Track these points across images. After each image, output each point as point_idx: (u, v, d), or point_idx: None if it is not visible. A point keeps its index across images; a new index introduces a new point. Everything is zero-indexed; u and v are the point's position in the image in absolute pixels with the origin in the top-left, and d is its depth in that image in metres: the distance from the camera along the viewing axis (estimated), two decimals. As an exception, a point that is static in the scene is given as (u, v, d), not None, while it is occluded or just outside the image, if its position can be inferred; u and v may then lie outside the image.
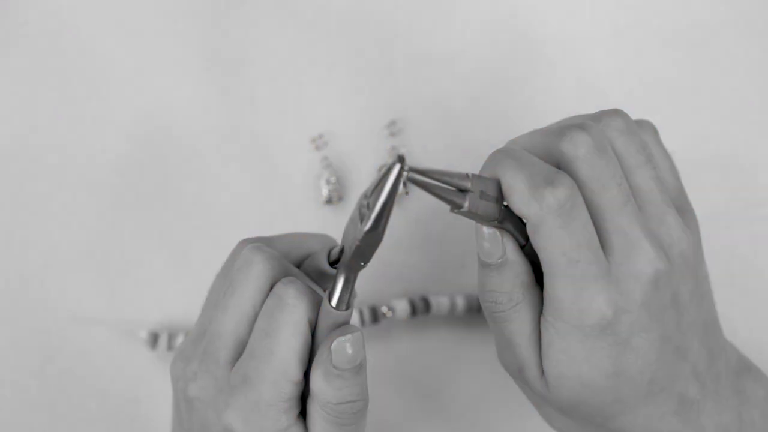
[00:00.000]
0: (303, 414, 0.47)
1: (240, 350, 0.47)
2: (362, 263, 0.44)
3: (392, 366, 0.65)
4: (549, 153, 0.48)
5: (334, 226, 0.66)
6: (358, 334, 0.45)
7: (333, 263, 0.48)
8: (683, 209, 0.50)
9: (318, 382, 0.45)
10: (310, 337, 0.45)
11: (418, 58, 0.69)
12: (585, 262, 0.45)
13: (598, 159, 0.47)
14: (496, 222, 0.46)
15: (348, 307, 0.45)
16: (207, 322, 0.49)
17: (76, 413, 0.65)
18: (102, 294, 0.66)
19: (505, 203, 0.46)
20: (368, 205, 0.42)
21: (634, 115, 0.68)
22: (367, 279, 0.65)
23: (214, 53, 0.69)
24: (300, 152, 0.67)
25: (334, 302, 0.45)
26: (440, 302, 0.64)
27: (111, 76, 0.69)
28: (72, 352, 0.65)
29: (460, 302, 0.64)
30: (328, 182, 0.66)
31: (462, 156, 0.67)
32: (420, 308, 0.64)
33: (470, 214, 0.45)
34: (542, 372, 0.48)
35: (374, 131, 0.68)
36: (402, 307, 0.64)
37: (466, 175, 0.45)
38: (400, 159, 0.41)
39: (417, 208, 0.66)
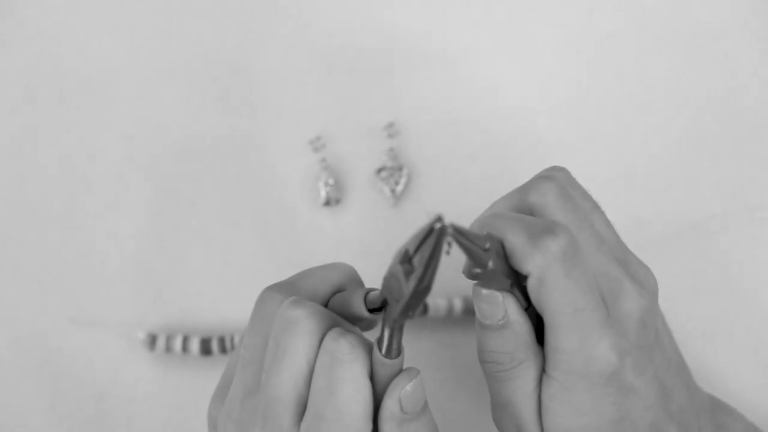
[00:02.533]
0: None
1: (301, 411, 0.46)
2: (411, 314, 0.43)
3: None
4: (520, 212, 0.48)
5: (332, 228, 0.66)
6: (418, 378, 0.45)
7: (372, 310, 0.47)
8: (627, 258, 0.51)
9: (393, 430, 0.45)
10: (370, 388, 0.45)
11: (416, 60, 0.69)
12: (590, 309, 0.46)
13: (566, 202, 0.48)
14: (509, 282, 0.46)
15: (399, 353, 0.45)
16: (252, 382, 0.48)
17: (74, 414, 0.65)
18: (100, 296, 0.66)
19: None
20: (410, 261, 0.42)
21: (634, 116, 0.68)
22: (366, 280, 0.65)
23: (213, 55, 0.69)
24: (298, 154, 0.67)
25: (386, 351, 0.44)
26: (438, 304, 0.64)
27: (108, 78, 0.69)
28: (70, 353, 0.65)
29: (458, 304, 0.64)
30: (326, 184, 0.66)
31: (458, 158, 0.67)
32: (417, 310, 0.64)
33: (492, 274, 0.45)
34: (541, 430, 0.48)
35: (372, 133, 0.68)
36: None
37: (485, 236, 0.45)
38: (440, 220, 0.41)
39: (413, 211, 0.66)
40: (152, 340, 0.64)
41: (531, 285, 0.46)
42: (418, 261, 0.41)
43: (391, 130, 0.67)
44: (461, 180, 0.66)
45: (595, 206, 0.50)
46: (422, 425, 0.45)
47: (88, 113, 0.68)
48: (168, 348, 0.64)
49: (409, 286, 0.42)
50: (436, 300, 0.64)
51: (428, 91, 0.69)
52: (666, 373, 0.49)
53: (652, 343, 0.48)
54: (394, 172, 0.66)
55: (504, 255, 0.46)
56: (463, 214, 0.66)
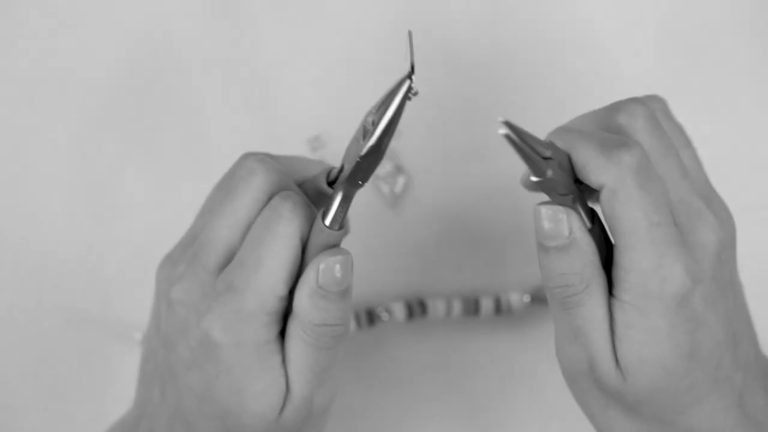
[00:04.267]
0: (283, 333, 0.46)
1: (229, 259, 0.46)
2: (360, 182, 0.43)
3: (388, 368, 0.64)
4: (607, 129, 0.47)
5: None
6: (348, 256, 0.44)
7: (331, 183, 0.47)
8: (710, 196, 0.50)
9: (302, 300, 0.44)
10: (300, 253, 0.45)
11: (415, 58, 0.69)
12: (666, 225, 0.44)
13: (655, 128, 0.46)
14: (570, 197, 0.44)
15: (341, 227, 0.44)
16: (200, 228, 0.48)
17: (71, 415, 0.65)
18: (97, 295, 0.66)
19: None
20: (373, 122, 0.41)
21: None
22: (363, 282, 0.65)
23: (211, 55, 0.69)
24: (297, 153, 0.67)
25: (328, 221, 0.44)
26: (437, 305, 0.64)
27: (107, 78, 0.69)
28: (67, 354, 0.65)
29: (457, 305, 0.64)
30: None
31: (459, 157, 0.67)
32: (416, 311, 0.64)
33: (551, 184, 0.44)
34: (616, 362, 0.46)
35: (371, 132, 0.68)
36: (398, 309, 0.64)
37: (548, 143, 0.43)
38: (410, 74, 0.40)
39: (413, 211, 0.66)
40: (149, 340, 0.64)
41: (604, 197, 0.44)
42: (376, 119, 0.40)
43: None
44: (461, 180, 0.66)
45: (687, 142, 0.49)
46: (333, 309, 0.44)
47: (88, 113, 0.68)
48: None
49: (362, 147, 0.41)
50: (435, 301, 0.64)
51: (427, 91, 0.68)
52: (737, 318, 0.47)
53: (726, 279, 0.46)
54: (393, 173, 0.66)
55: (570, 169, 0.44)
56: (463, 214, 0.66)
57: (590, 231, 0.45)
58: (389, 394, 0.64)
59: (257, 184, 0.46)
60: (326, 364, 0.46)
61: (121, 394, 0.65)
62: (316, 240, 0.44)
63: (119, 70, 0.69)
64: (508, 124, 0.41)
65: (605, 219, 0.45)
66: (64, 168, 0.68)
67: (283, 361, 0.46)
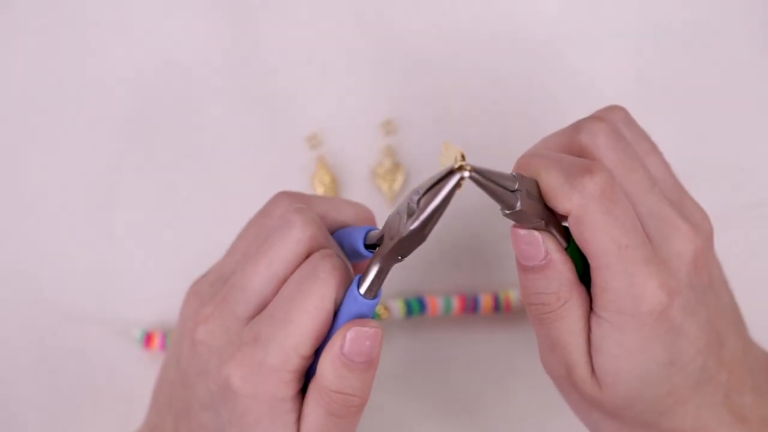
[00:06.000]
0: (304, 392, 0.46)
1: (259, 309, 0.46)
2: (400, 257, 0.43)
3: (387, 365, 0.64)
4: (570, 151, 0.48)
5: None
6: (379, 331, 0.44)
7: (368, 246, 0.46)
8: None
9: (324, 364, 0.44)
10: (332, 316, 0.44)
11: (414, 56, 0.69)
12: (634, 246, 0.45)
13: (617, 142, 0.47)
14: (542, 222, 0.45)
15: (375, 296, 0.44)
16: (230, 269, 0.48)
17: (70, 413, 0.64)
18: (96, 293, 0.66)
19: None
20: (419, 202, 0.41)
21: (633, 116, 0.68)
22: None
23: (210, 53, 0.69)
24: (295, 151, 0.67)
25: (363, 289, 0.44)
26: (435, 302, 0.64)
27: (105, 77, 0.69)
28: (66, 351, 0.65)
29: (455, 302, 0.64)
30: (322, 182, 0.66)
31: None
32: (415, 308, 0.64)
33: (521, 215, 0.45)
34: (592, 371, 0.47)
35: (369, 130, 0.67)
36: (397, 306, 0.64)
37: (513, 176, 0.45)
38: (461, 166, 0.41)
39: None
40: (148, 337, 0.64)
41: (571, 224, 0.45)
42: (423, 203, 0.41)
43: (389, 127, 0.67)
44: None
45: (653, 148, 0.49)
46: (354, 378, 0.44)
47: (87, 113, 0.68)
48: (164, 346, 0.64)
49: (406, 226, 0.41)
50: (433, 298, 0.64)
51: (426, 88, 0.68)
52: (719, 320, 0.48)
53: (705, 286, 0.47)
54: (392, 169, 0.66)
55: (539, 196, 0.46)
56: (461, 210, 0.66)
57: (567, 250, 0.46)
58: (388, 391, 0.64)
59: (296, 238, 0.45)
60: (340, 430, 0.46)
61: (121, 392, 0.65)
62: (349, 307, 0.44)
63: (118, 69, 0.69)
64: (473, 169, 0.43)
65: (578, 244, 0.46)
66: (64, 167, 0.67)
67: (298, 419, 0.46)
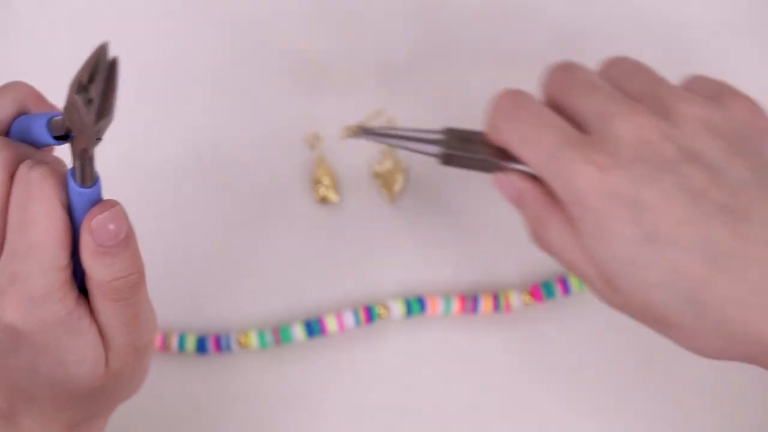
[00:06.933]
0: (85, 292, 0.45)
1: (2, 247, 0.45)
2: (98, 139, 0.42)
3: (387, 366, 0.64)
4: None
5: (328, 226, 0.66)
6: (117, 207, 0.44)
7: (58, 138, 0.45)
8: (722, 92, 0.51)
9: (88, 263, 0.44)
10: (68, 219, 0.44)
11: (413, 55, 0.69)
12: (548, 138, 0.48)
13: (558, 69, 0.53)
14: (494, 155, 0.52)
15: (95, 182, 0.43)
16: None
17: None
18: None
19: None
20: (87, 89, 0.41)
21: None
22: (362, 279, 0.65)
23: (208, 52, 0.69)
24: (294, 151, 0.67)
25: (79, 180, 0.43)
26: (435, 302, 0.64)
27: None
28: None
29: (455, 302, 0.64)
30: (322, 182, 0.66)
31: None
32: (415, 308, 0.64)
33: (450, 158, 0.54)
34: (604, 280, 0.48)
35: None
36: (397, 306, 0.64)
37: (440, 130, 0.54)
38: (104, 46, 0.41)
39: (412, 210, 0.66)
40: (148, 338, 0.64)
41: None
42: (95, 91, 0.41)
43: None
44: (460, 179, 0.66)
45: (608, 62, 0.54)
46: (119, 261, 0.44)
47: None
48: (164, 346, 0.64)
49: (90, 117, 0.41)
50: (433, 298, 0.64)
51: (425, 88, 0.68)
52: (727, 192, 0.46)
53: (673, 157, 0.47)
54: (392, 170, 0.66)
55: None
56: (462, 211, 0.66)
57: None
58: (387, 391, 0.64)
59: None
60: (133, 311, 0.45)
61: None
62: (77, 202, 0.43)
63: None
64: (362, 129, 0.54)
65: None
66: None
67: (93, 318, 0.45)
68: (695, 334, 0.47)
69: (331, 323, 0.63)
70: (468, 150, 0.53)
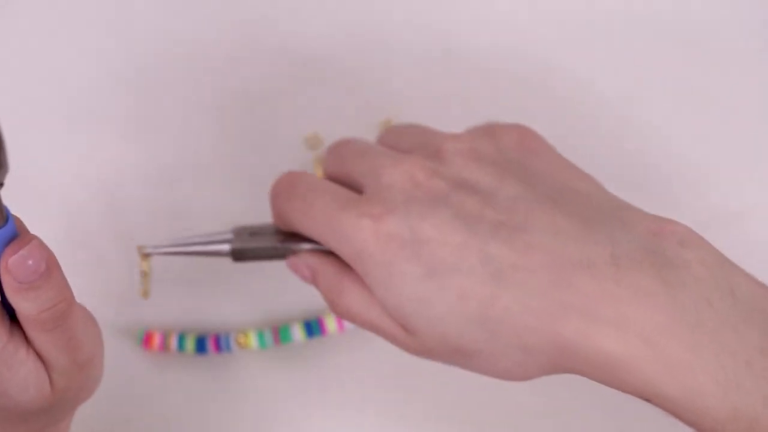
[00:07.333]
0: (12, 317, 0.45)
1: None
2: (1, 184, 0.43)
3: (386, 366, 0.64)
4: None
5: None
6: (34, 242, 0.43)
7: None
8: (492, 127, 0.52)
9: (12, 299, 0.43)
10: None
11: (414, 56, 0.69)
12: (320, 203, 0.49)
13: (336, 147, 0.54)
14: (283, 240, 0.53)
15: (6, 220, 0.43)
16: None
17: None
18: (95, 293, 0.66)
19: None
20: None
21: (631, 114, 0.68)
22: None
23: (208, 52, 0.69)
24: (294, 151, 0.67)
25: None
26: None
27: (102, 77, 0.69)
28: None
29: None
30: (322, 182, 0.66)
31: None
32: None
33: (242, 252, 0.54)
34: (402, 329, 0.48)
35: (368, 130, 0.67)
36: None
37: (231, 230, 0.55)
38: None
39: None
40: (148, 337, 0.64)
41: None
42: None
43: (388, 126, 0.67)
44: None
45: (384, 130, 0.55)
46: (44, 291, 0.43)
47: (85, 112, 0.68)
48: (164, 346, 0.64)
49: None
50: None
51: (425, 88, 0.68)
52: (504, 212, 0.46)
53: (442, 192, 0.47)
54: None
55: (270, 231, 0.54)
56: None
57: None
58: (387, 391, 0.64)
59: None
60: (67, 335, 0.45)
61: (118, 393, 0.65)
62: None
63: (118, 69, 0.69)
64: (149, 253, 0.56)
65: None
66: (64, 163, 0.67)
67: (29, 346, 0.45)
68: (494, 356, 0.46)
69: (331, 323, 0.63)
70: (258, 242, 0.54)
